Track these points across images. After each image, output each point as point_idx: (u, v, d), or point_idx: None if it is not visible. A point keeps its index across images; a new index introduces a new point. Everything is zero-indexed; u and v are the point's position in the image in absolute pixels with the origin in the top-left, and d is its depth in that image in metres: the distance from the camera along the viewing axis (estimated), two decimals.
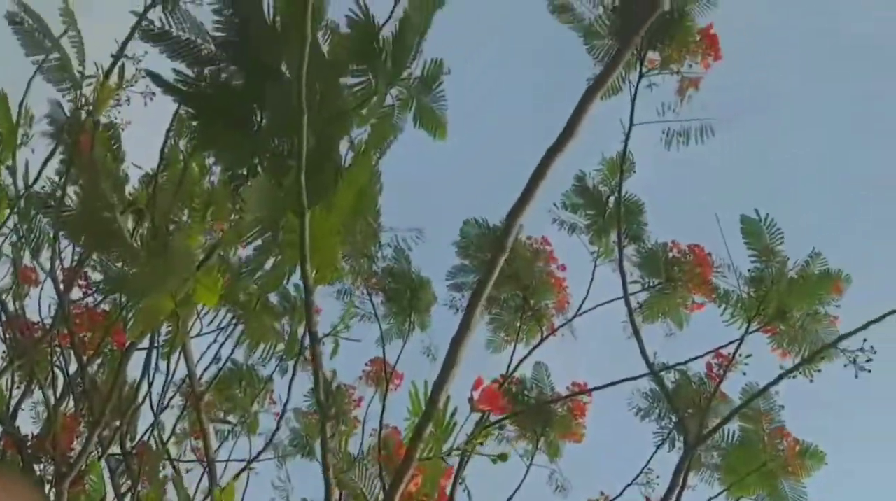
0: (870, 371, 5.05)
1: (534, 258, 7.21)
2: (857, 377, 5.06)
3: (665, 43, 5.41)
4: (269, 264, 4.70)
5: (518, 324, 7.15)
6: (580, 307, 6.90)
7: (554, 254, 7.26)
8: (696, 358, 6.05)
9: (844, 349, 5.11)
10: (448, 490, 6.36)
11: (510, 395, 7.03)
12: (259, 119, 4.20)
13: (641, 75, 5.65)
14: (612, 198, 6.56)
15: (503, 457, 3.39)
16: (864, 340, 5.04)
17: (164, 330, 5.57)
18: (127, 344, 5.68)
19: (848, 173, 9.80)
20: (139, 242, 5.61)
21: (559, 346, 7.24)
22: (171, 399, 6.47)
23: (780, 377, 5.34)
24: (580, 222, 6.91)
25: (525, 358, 7.05)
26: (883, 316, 4.63)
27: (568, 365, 7.39)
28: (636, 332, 5.79)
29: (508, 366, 7.09)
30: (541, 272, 7.16)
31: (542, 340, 7.03)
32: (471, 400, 3.24)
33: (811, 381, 5.46)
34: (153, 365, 6.19)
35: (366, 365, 7.76)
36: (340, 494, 4.91)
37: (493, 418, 5.48)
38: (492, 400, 3.38)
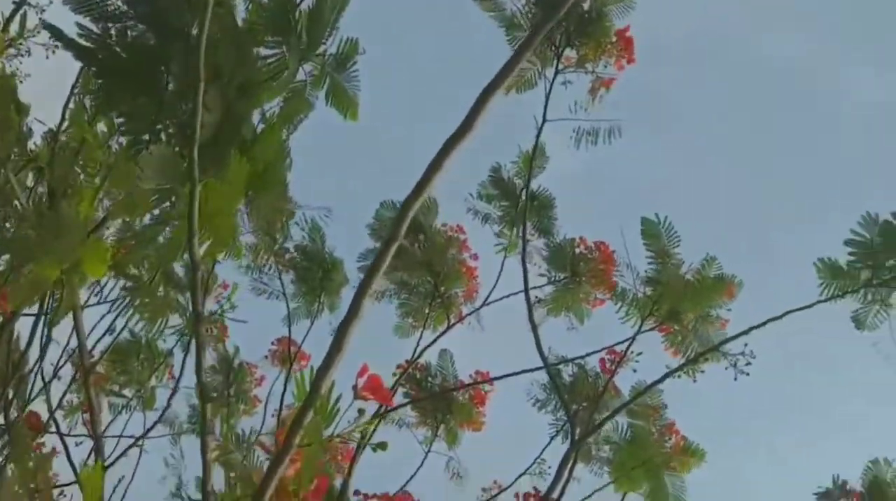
0: (748, 374, 5.29)
1: (447, 245, 7.21)
2: (735, 379, 5.29)
3: (582, 41, 5.48)
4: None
5: (427, 311, 7.14)
6: (488, 297, 6.95)
7: (468, 243, 7.27)
8: (591, 353, 6.20)
9: (726, 352, 5.32)
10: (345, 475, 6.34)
11: (414, 381, 7.04)
12: (166, 84, 4.03)
13: (557, 72, 5.71)
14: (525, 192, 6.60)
15: (382, 446, 3.36)
16: (746, 345, 5.27)
17: (55, 297, 5.32)
18: (11, 311, 5.38)
19: (755, 184, 10.23)
20: (32, 203, 5.33)
21: (467, 335, 7.29)
22: (59, 369, 6.18)
23: (665, 376, 5.53)
24: (494, 213, 6.96)
25: (431, 344, 7.06)
26: (765, 323, 4.83)
27: (474, 354, 7.44)
28: (533, 327, 5.88)
29: (414, 352, 7.10)
30: (453, 260, 7.17)
31: (448, 327, 7.05)
32: (354, 387, 3.20)
33: (694, 381, 5.69)
34: (42, 333, 5.92)
35: (272, 344, 7.64)
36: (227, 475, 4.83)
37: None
38: (376, 390, 3.33)
